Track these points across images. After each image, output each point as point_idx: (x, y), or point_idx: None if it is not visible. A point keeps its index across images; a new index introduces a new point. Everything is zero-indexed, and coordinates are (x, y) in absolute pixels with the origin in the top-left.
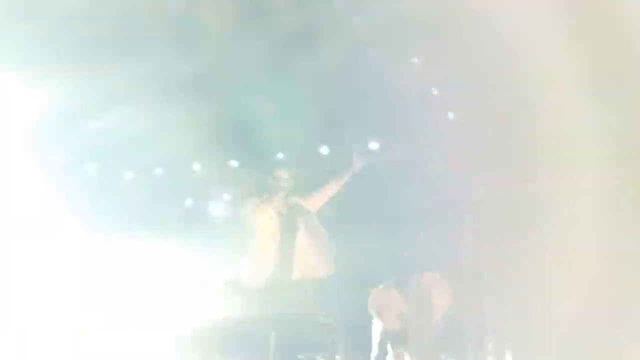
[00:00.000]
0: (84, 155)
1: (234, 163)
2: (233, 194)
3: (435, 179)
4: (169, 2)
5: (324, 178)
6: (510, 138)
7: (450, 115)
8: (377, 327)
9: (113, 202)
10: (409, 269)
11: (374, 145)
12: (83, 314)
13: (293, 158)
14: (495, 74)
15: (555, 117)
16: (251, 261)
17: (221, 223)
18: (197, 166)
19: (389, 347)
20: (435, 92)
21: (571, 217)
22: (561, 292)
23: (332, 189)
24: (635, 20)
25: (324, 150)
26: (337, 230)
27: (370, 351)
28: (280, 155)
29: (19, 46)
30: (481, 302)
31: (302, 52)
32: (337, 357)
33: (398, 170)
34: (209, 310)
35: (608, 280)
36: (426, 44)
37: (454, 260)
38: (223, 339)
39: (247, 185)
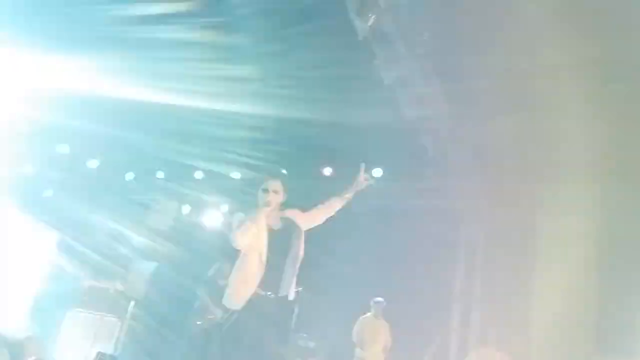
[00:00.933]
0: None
1: (235, 175)
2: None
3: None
4: None
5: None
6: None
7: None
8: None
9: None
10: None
11: (377, 172)
12: None
13: (296, 175)
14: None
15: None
16: (235, 279)
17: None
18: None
19: None
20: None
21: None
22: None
23: (329, 210)
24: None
25: (327, 171)
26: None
27: None
28: (283, 171)
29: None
30: None
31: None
32: None
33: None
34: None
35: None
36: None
37: None
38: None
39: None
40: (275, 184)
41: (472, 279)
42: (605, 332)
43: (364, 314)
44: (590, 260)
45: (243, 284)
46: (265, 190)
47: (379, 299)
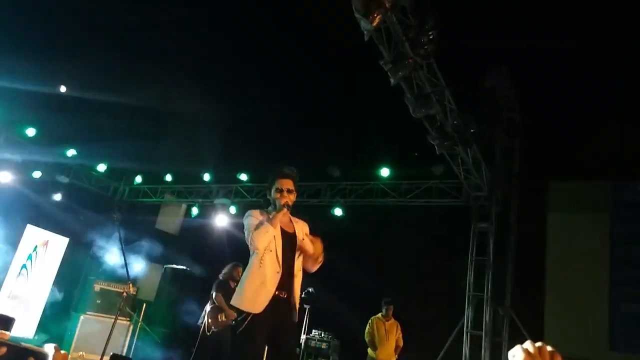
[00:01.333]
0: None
1: (243, 176)
2: (240, 206)
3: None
4: None
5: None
6: None
7: None
8: (370, 357)
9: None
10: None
11: (384, 172)
12: None
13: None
14: None
15: None
16: (250, 281)
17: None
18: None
19: None
20: None
21: None
22: None
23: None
24: None
25: (335, 171)
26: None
27: None
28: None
29: None
30: None
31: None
32: None
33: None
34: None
35: None
36: None
37: None
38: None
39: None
40: (288, 183)
41: (483, 275)
42: (617, 326)
43: (375, 313)
44: (601, 256)
45: (261, 287)
46: (280, 190)
47: (389, 298)
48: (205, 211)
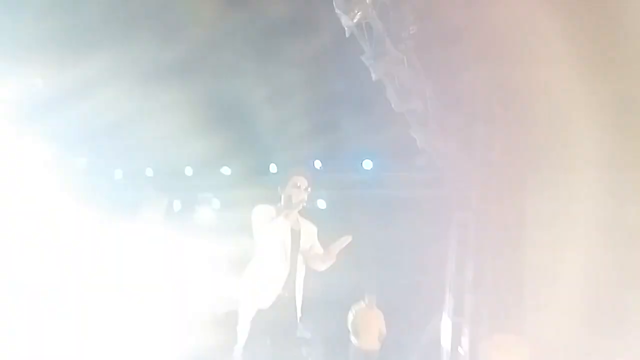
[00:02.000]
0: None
1: (225, 170)
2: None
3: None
4: None
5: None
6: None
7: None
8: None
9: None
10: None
11: (367, 164)
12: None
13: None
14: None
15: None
16: (260, 276)
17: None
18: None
19: None
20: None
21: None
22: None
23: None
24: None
25: (317, 164)
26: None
27: None
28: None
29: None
30: None
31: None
32: None
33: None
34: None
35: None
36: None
37: None
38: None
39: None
40: (304, 181)
41: (464, 267)
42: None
43: (358, 303)
44: (585, 245)
45: (268, 283)
46: (298, 187)
47: (371, 288)
48: (188, 206)
